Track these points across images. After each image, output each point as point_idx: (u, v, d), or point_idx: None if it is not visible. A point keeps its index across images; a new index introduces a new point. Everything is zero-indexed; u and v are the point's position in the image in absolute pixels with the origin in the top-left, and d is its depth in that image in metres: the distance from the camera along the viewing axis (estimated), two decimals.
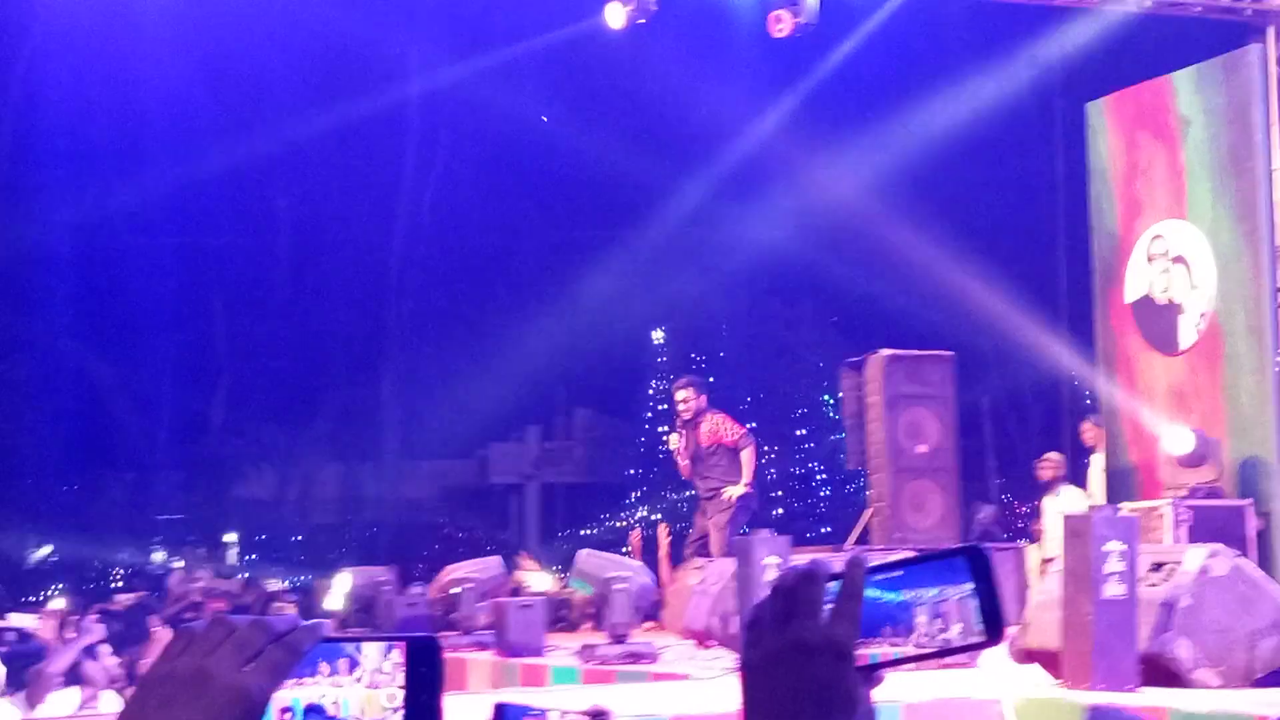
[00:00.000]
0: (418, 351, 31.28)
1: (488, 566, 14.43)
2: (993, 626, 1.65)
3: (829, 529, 25.08)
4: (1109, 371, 15.36)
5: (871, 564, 1.66)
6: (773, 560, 10.33)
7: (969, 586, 1.65)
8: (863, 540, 14.62)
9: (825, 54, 17.72)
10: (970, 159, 21.09)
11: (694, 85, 21.35)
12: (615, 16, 14.74)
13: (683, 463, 14.79)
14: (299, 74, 24.30)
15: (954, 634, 1.66)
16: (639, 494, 32.97)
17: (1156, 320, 14.70)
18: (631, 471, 33.49)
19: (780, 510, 30.40)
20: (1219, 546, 8.32)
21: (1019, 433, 23.65)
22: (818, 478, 30.99)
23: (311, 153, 27.01)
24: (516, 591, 14.66)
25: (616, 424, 34.67)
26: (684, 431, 14.74)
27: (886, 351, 14.61)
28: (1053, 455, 16.56)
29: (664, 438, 14.52)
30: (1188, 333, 14.38)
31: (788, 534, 11.49)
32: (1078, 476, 16.45)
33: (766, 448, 32.14)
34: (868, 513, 14.97)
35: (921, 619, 1.68)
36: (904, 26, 16.81)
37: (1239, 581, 8.12)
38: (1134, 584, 7.85)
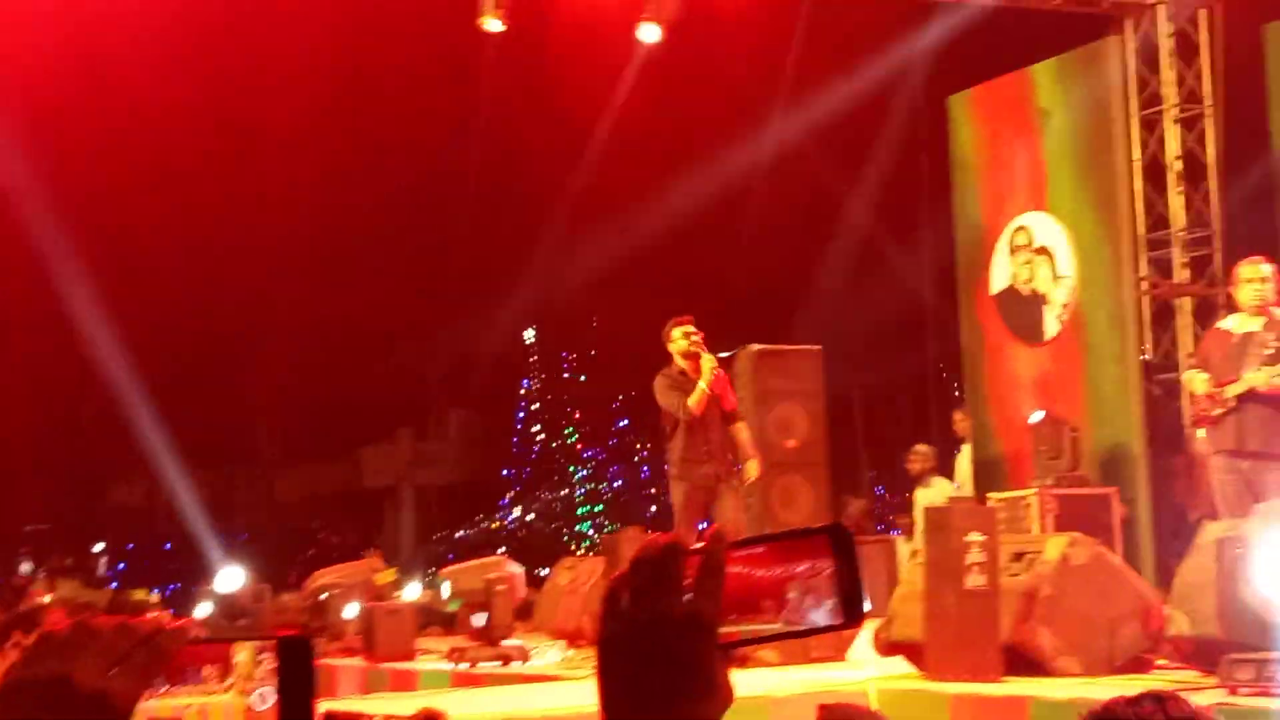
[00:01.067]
0: (287, 354, 31.00)
1: (356, 571, 14.28)
2: (853, 608, 1.61)
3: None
4: (975, 362, 15.47)
5: (733, 540, 1.61)
6: None
7: (832, 565, 1.62)
8: None
9: (690, 56, 17.70)
10: (836, 155, 21.22)
11: (560, 88, 21.29)
12: (492, 22, 14.79)
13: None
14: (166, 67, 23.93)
15: (823, 611, 1.62)
16: (513, 493, 32.90)
17: (1021, 311, 14.83)
18: (505, 471, 33.43)
19: (655, 507, 30.49)
20: (1079, 535, 8.37)
21: (891, 425, 23.80)
22: None
23: (179, 150, 26.66)
24: (384, 596, 14.53)
25: (490, 423, 34.59)
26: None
27: (755, 346, 14.57)
28: (921, 447, 16.65)
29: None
30: (1051, 323, 14.51)
31: (663, 529, 11.41)
32: (949, 468, 16.54)
33: (639, 444, 32.36)
34: None
35: (793, 594, 1.64)
36: (765, 26, 16.86)
37: (1099, 570, 8.17)
38: (995, 574, 7.87)
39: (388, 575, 17.06)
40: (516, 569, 13.65)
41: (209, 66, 24.07)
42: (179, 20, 19.46)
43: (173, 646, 1.43)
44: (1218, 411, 10.52)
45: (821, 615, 1.61)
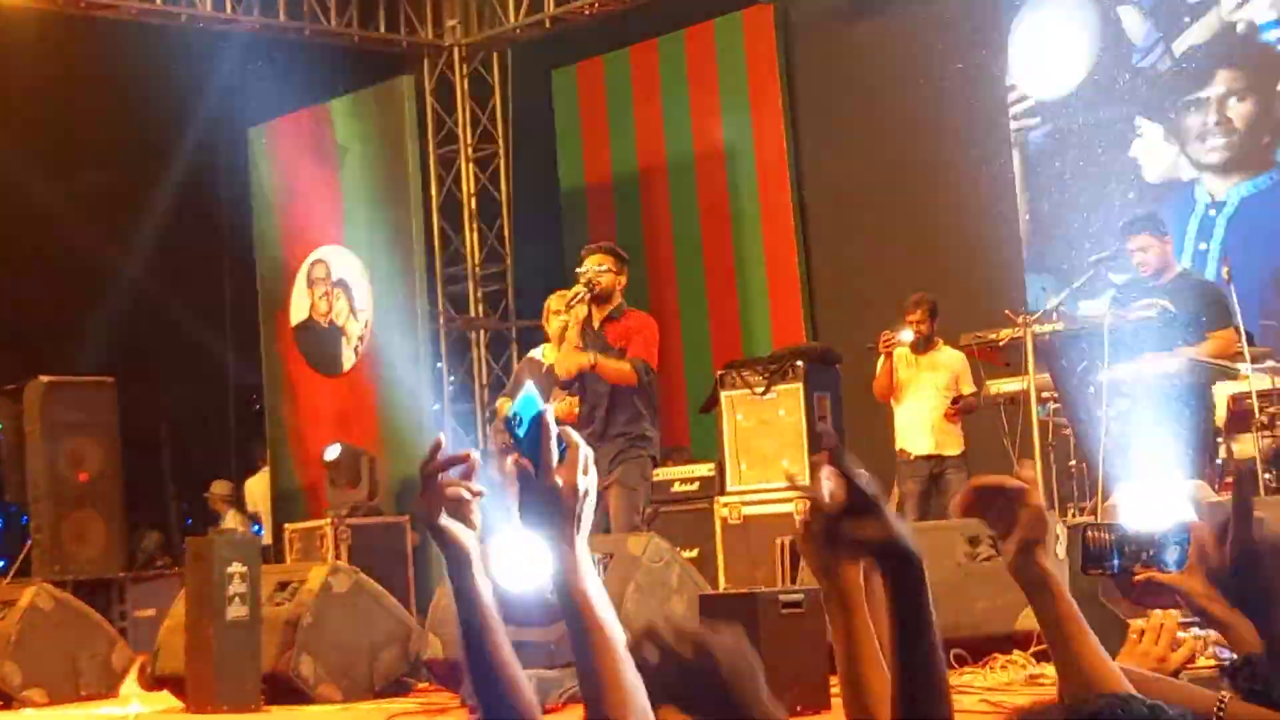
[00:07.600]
0: None
1: None
2: None
3: (2, 563, 24.06)
4: (276, 394, 15.49)
5: None
6: None
7: None
8: (24, 572, 14.10)
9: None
10: (128, 184, 20.66)
11: None
12: None
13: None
14: None
15: None
16: None
17: (319, 343, 14.96)
18: None
19: None
20: (341, 564, 8.53)
21: (202, 456, 23.47)
22: None
23: None
24: None
25: None
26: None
27: (45, 378, 14.14)
28: (217, 483, 16.60)
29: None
30: (349, 355, 14.71)
31: None
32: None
33: None
34: (28, 545, 14.47)
35: None
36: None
37: (359, 597, 8.33)
38: (257, 605, 7.90)
39: None
40: None
41: None
42: None
43: None
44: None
45: None
